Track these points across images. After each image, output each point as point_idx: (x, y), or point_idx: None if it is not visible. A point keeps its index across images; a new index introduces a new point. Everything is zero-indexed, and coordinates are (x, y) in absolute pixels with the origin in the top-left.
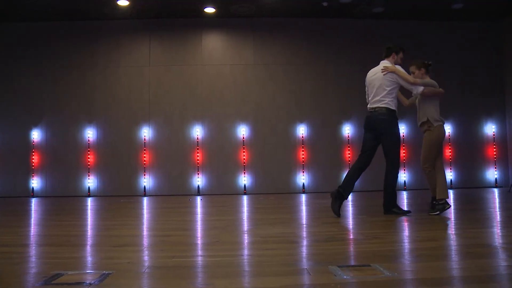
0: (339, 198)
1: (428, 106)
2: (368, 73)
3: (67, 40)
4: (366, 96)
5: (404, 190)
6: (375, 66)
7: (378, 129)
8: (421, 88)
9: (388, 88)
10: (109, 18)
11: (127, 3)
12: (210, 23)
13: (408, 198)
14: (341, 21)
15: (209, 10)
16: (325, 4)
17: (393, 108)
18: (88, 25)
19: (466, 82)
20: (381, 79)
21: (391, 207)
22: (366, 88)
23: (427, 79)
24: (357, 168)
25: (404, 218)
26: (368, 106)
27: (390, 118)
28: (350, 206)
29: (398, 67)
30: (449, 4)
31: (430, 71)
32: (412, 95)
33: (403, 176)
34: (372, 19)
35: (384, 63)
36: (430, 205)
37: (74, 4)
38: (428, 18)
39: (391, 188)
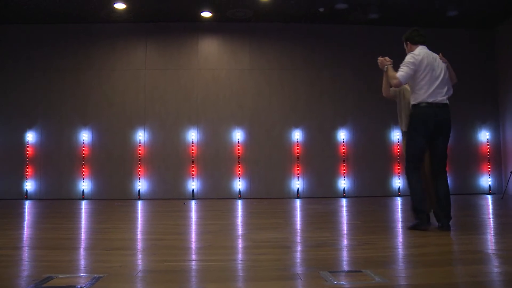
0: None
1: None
2: (417, 52)
3: (63, 43)
4: (415, 82)
5: (398, 196)
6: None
7: (444, 130)
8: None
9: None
10: (106, 21)
11: (124, 6)
12: (207, 27)
13: (402, 205)
14: (336, 27)
15: (206, 14)
16: (321, 10)
17: None
18: (85, 28)
19: (460, 89)
20: (445, 68)
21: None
22: (418, 71)
23: None
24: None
25: (398, 224)
26: (426, 96)
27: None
28: (344, 211)
29: None
30: (443, 11)
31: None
32: (449, 95)
33: (398, 182)
34: (367, 25)
35: (425, 48)
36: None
37: (70, 7)
38: (422, 25)
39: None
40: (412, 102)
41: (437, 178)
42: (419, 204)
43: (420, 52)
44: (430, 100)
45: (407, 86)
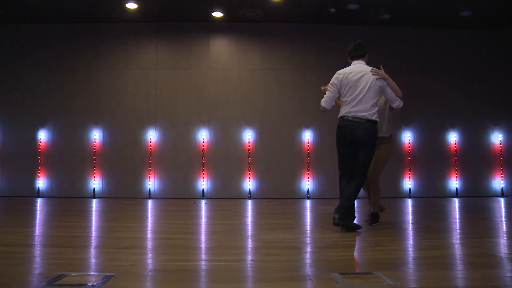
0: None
1: (389, 118)
2: (340, 72)
3: (74, 42)
4: (334, 100)
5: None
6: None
7: (362, 143)
8: (401, 103)
9: (376, 98)
10: (117, 20)
11: (135, 6)
12: (218, 27)
13: (412, 206)
14: (348, 27)
15: (217, 14)
16: (332, 10)
17: (377, 121)
18: (96, 28)
19: (472, 91)
20: (372, 83)
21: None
22: (337, 89)
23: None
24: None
25: (408, 226)
26: (345, 112)
27: (375, 133)
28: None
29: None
30: (456, 12)
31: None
32: (393, 108)
33: (408, 183)
34: (378, 25)
35: (362, 64)
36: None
37: (82, 6)
38: (434, 25)
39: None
40: (339, 115)
41: (351, 179)
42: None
43: (346, 69)
44: (351, 114)
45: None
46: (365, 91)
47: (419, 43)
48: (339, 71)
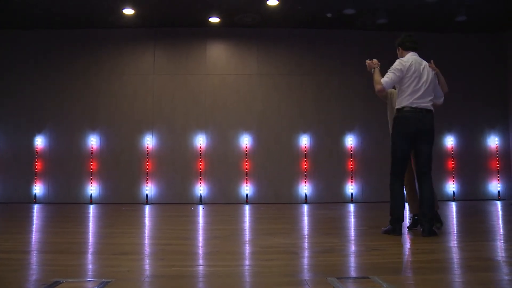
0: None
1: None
2: (405, 60)
3: (72, 48)
4: (401, 88)
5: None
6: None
7: (427, 135)
8: (443, 99)
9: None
10: (114, 26)
11: (132, 11)
12: (215, 32)
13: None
14: (344, 32)
15: (214, 19)
16: (329, 15)
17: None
18: (93, 33)
19: (469, 94)
20: (432, 77)
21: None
22: (402, 75)
23: None
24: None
25: (405, 230)
26: (410, 101)
27: (434, 123)
28: (351, 217)
29: None
30: (452, 16)
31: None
32: (439, 103)
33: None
34: (375, 30)
35: (418, 56)
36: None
37: (79, 12)
38: (431, 30)
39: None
40: (397, 106)
41: (421, 181)
42: (396, 211)
43: (409, 58)
44: (414, 105)
45: (395, 89)
46: (427, 84)
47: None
48: (402, 58)
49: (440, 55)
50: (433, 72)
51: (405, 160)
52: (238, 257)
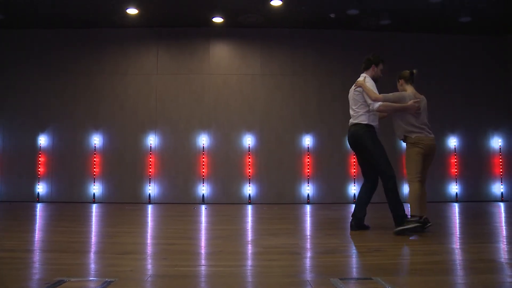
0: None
1: (397, 121)
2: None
3: (75, 47)
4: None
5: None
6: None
7: (357, 146)
8: (376, 105)
9: (359, 103)
10: (118, 26)
11: (136, 11)
12: (218, 32)
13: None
14: (348, 32)
15: (217, 20)
16: (332, 15)
17: (365, 122)
18: (97, 33)
19: (472, 96)
20: (352, 94)
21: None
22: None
23: (396, 93)
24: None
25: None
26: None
27: (363, 132)
28: None
29: (369, 81)
30: (456, 17)
31: (413, 81)
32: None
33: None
34: (378, 31)
35: (363, 75)
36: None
37: (83, 12)
38: (434, 31)
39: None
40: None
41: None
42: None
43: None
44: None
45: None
46: (352, 99)
47: (419, 48)
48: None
49: (443, 56)
50: (353, 88)
51: (362, 168)
52: (241, 257)
